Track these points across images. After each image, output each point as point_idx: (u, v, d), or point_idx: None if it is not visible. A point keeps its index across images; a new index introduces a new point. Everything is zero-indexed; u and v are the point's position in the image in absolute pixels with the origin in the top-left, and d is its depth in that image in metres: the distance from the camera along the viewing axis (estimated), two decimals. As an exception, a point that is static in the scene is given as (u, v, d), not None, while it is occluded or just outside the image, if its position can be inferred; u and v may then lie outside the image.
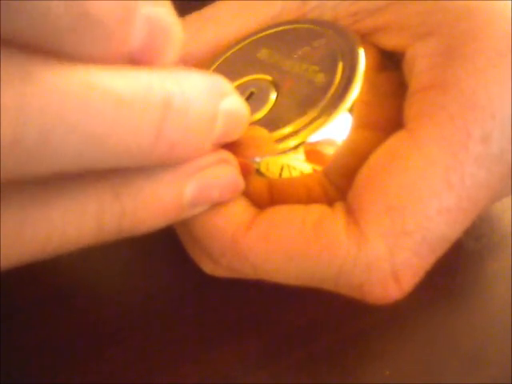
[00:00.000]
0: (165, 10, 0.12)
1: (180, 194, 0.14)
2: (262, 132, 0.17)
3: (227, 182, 0.16)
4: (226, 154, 0.16)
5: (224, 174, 0.15)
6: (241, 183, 0.16)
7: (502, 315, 0.21)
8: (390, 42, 0.18)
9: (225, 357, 0.21)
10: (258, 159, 0.17)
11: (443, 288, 0.22)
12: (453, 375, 0.20)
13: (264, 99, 0.18)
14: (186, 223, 0.17)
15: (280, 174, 0.17)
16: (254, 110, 0.18)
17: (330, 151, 0.17)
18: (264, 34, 0.20)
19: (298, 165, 0.17)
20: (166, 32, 0.12)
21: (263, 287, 0.19)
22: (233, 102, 0.14)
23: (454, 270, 0.22)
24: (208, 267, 0.19)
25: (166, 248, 0.24)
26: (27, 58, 0.10)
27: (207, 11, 0.20)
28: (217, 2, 0.20)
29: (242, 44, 0.20)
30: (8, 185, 0.11)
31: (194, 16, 0.20)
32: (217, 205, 0.16)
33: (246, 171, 0.17)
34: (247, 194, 0.17)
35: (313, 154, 0.17)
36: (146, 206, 0.14)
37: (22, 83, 0.10)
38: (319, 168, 0.17)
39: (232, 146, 0.16)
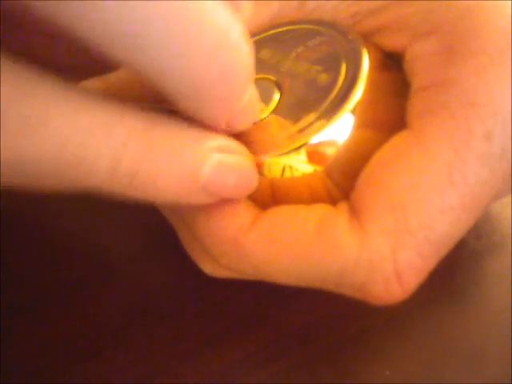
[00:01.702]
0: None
1: (199, 166, 0.14)
2: (266, 131, 0.17)
3: (244, 173, 0.15)
4: (244, 149, 0.16)
5: (242, 164, 0.15)
6: (255, 180, 0.16)
7: (501, 315, 0.21)
8: (390, 41, 0.18)
9: (225, 357, 0.21)
10: (260, 159, 0.17)
11: (443, 288, 0.22)
12: (453, 375, 0.20)
13: (267, 100, 0.18)
14: (186, 222, 0.17)
15: (282, 175, 0.17)
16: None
17: (332, 152, 0.17)
18: (265, 34, 0.20)
19: (299, 166, 0.17)
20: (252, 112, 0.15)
21: (263, 287, 0.19)
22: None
23: (454, 269, 0.22)
24: (208, 268, 0.19)
25: (166, 248, 0.24)
26: None
27: None
28: None
29: None
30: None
31: None
32: (224, 202, 0.16)
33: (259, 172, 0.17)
34: (250, 194, 0.17)
35: (315, 155, 0.17)
36: (166, 161, 0.13)
37: None
38: (321, 169, 0.17)
39: (251, 136, 0.16)
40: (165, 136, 0.13)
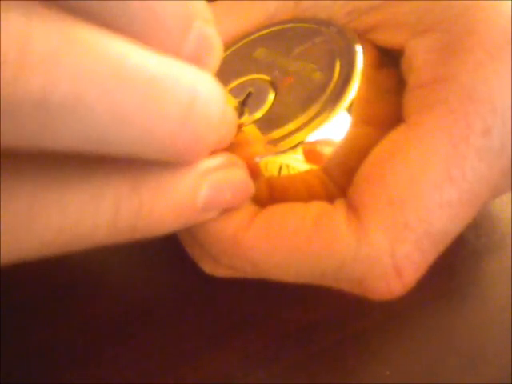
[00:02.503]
0: (213, 31, 0.13)
1: (195, 194, 0.14)
2: (262, 131, 0.17)
3: (239, 183, 0.15)
4: (234, 158, 0.16)
5: (235, 175, 0.15)
6: (251, 186, 0.16)
7: (501, 315, 0.21)
8: (386, 39, 0.18)
9: (225, 357, 0.21)
10: (257, 159, 0.17)
11: (443, 288, 0.22)
12: (452, 375, 0.20)
13: (262, 99, 0.18)
14: None
15: (279, 174, 0.17)
16: (252, 110, 0.18)
17: (328, 151, 0.17)
18: (260, 33, 0.20)
19: (296, 164, 0.17)
20: (211, 49, 0.13)
21: (263, 287, 0.19)
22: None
23: (454, 269, 0.22)
24: (208, 267, 0.19)
25: (166, 248, 0.24)
26: (71, 17, 0.10)
27: None
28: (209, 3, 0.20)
29: (239, 44, 0.20)
30: (22, 160, 0.11)
31: None
32: (226, 211, 0.16)
33: (255, 174, 0.17)
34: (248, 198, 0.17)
35: (311, 153, 0.17)
36: (162, 204, 0.13)
37: (60, 35, 0.10)
38: (318, 167, 0.17)
39: (230, 148, 0.16)
40: (153, 186, 0.13)
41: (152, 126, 0.11)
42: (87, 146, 0.11)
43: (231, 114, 0.15)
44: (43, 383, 0.21)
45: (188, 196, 0.14)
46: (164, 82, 0.11)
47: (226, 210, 0.16)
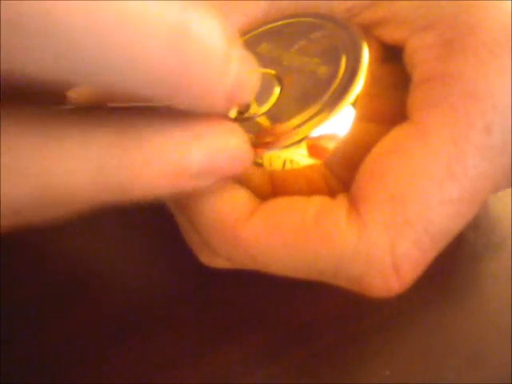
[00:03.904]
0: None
1: (187, 154, 0.14)
2: (267, 125, 0.17)
3: (236, 152, 0.15)
4: (233, 125, 0.15)
5: (233, 143, 0.15)
6: (250, 155, 0.15)
7: (501, 314, 0.21)
8: (390, 34, 0.18)
9: (225, 357, 0.21)
10: (261, 153, 0.17)
11: (443, 288, 0.22)
12: (452, 375, 0.20)
13: (267, 93, 0.18)
14: (186, 213, 0.17)
15: (283, 169, 0.17)
16: (257, 105, 0.18)
17: (332, 146, 0.17)
18: (263, 28, 0.20)
19: (300, 159, 0.17)
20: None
21: (263, 287, 0.19)
22: (244, 55, 0.14)
23: (454, 269, 0.22)
24: (206, 257, 0.19)
25: (166, 248, 0.24)
26: None
27: None
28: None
29: (242, 39, 0.20)
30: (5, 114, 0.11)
31: None
32: (224, 181, 0.16)
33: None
34: (249, 185, 0.17)
35: (315, 148, 0.17)
36: (152, 164, 0.13)
37: None
38: (321, 163, 0.17)
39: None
40: (142, 144, 0.13)
41: (136, 47, 0.11)
42: (69, 75, 0.11)
43: (246, 55, 0.14)
44: (43, 383, 0.21)
45: (180, 159, 0.14)
46: (147, 16, 0.11)
47: (223, 180, 0.16)
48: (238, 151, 0.15)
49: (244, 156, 0.15)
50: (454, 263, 0.22)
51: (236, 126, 0.15)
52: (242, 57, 0.14)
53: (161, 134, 0.13)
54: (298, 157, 0.17)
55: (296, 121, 0.17)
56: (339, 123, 0.17)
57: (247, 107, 0.18)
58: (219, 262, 0.18)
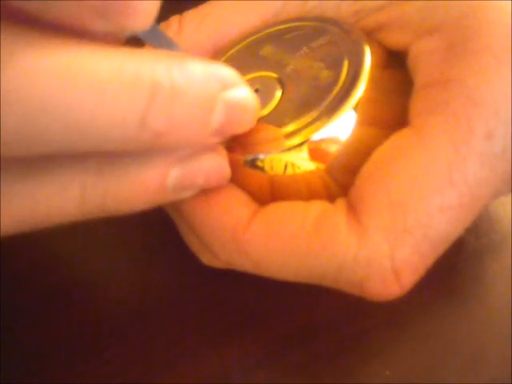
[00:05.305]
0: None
1: (164, 177, 0.14)
2: (268, 128, 0.17)
3: (212, 169, 0.16)
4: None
5: (209, 162, 0.15)
6: (227, 172, 0.16)
7: (501, 315, 0.21)
8: (393, 39, 0.18)
9: (224, 357, 0.21)
10: (261, 156, 0.17)
11: (443, 288, 0.22)
12: (453, 375, 0.20)
13: (269, 96, 0.18)
14: (185, 218, 0.17)
15: (284, 172, 0.17)
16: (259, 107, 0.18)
17: (333, 149, 0.17)
18: (267, 31, 0.20)
19: (301, 163, 0.17)
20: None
21: (263, 287, 0.19)
22: (238, 94, 0.14)
23: (454, 269, 0.22)
24: (206, 258, 0.19)
25: (166, 248, 0.24)
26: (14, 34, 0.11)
27: (206, 8, 0.20)
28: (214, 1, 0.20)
29: (246, 41, 0.20)
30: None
31: (193, 12, 0.20)
32: (204, 190, 0.16)
33: (235, 165, 0.17)
34: (248, 189, 0.17)
35: (317, 152, 0.17)
36: (130, 187, 0.14)
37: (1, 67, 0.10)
38: (323, 166, 0.17)
39: (237, 142, 0.16)
40: (119, 173, 0.14)
41: (109, 131, 0.12)
42: (48, 150, 0.12)
43: (241, 93, 0.14)
44: (43, 383, 0.21)
45: (157, 180, 0.14)
46: (116, 86, 0.11)
47: (203, 190, 0.16)
48: (215, 168, 0.16)
49: (221, 171, 0.16)
50: (455, 263, 0.22)
51: (215, 144, 0.15)
52: (230, 96, 0.14)
53: (137, 163, 0.14)
54: (300, 160, 0.17)
55: (297, 124, 0.17)
56: (340, 127, 0.17)
57: None
58: (219, 263, 0.18)
